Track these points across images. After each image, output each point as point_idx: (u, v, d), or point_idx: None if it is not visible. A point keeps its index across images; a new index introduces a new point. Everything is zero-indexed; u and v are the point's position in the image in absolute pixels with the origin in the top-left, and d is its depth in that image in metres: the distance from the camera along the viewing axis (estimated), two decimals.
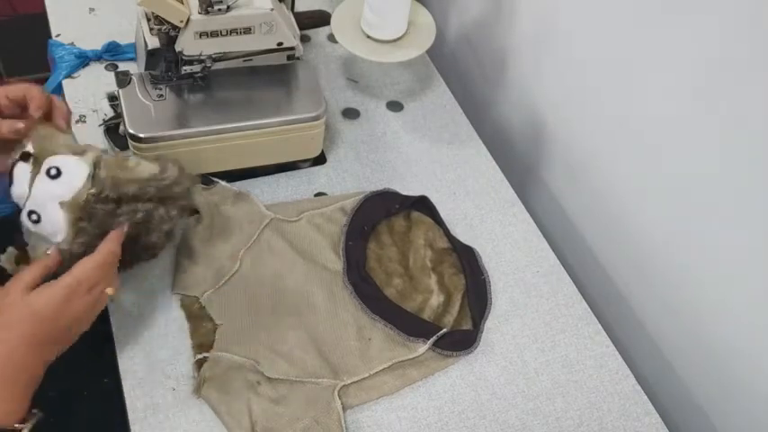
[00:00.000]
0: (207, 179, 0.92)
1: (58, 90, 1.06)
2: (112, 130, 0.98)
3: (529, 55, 1.07)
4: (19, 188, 0.72)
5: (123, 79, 0.90)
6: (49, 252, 0.72)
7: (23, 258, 0.75)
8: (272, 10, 0.87)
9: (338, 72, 1.14)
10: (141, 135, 0.86)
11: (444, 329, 0.83)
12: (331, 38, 1.17)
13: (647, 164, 0.88)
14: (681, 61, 0.79)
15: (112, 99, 1.01)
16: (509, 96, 1.14)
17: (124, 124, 0.88)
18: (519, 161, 1.14)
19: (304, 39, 1.14)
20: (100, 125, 0.99)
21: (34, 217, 0.71)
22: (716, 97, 0.76)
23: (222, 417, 0.76)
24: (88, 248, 0.72)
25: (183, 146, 0.88)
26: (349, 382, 0.79)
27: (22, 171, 0.72)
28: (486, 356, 0.85)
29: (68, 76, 1.05)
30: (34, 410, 0.67)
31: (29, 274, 0.68)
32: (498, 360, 0.85)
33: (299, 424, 0.75)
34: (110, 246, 0.72)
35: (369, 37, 1.01)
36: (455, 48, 1.26)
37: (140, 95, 0.90)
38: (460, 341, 0.84)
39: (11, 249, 0.74)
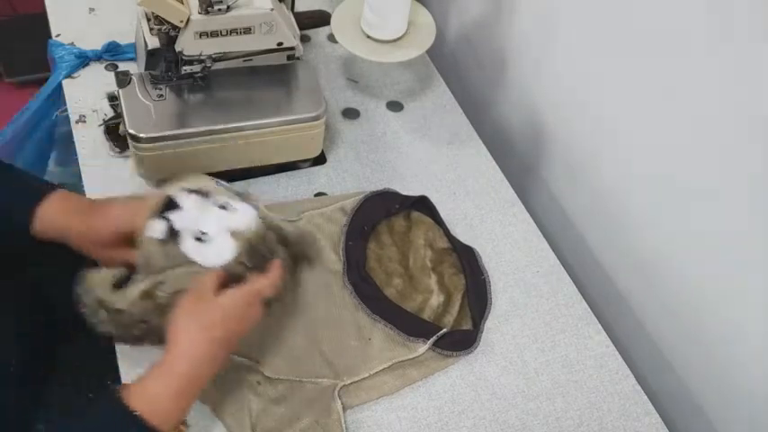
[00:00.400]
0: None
1: (58, 90, 1.06)
2: (112, 130, 0.98)
3: (529, 55, 1.07)
4: (190, 211, 0.74)
5: (123, 79, 0.90)
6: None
7: (122, 280, 0.74)
8: (272, 10, 0.87)
9: (338, 72, 1.14)
10: (141, 135, 0.86)
11: (444, 329, 0.83)
12: (331, 38, 1.17)
13: (647, 164, 0.88)
14: (681, 61, 0.79)
15: (112, 99, 1.01)
16: (509, 96, 1.14)
17: (124, 124, 0.88)
18: (519, 161, 1.14)
19: (304, 39, 1.14)
20: (100, 125, 0.99)
21: (203, 236, 0.73)
22: (716, 97, 0.76)
23: (222, 417, 0.76)
24: (242, 274, 0.75)
25: (183, 146, 0.89)
26: (349, 382, 0.79)
27: (190, 200, 0.75)
28: (486, 356, 0.85)
29: (68, 76, 1.05)
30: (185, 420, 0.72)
31: (210, 279, 0.71)
32: (498, 360, 0.85)
33: (299, 424, 0.75)
34: (278, 269, 0.75)
35: (369, 37, 1.01)
36: (455, 48, 1.26)
37: (140, 95, 0.90)
38: (460, 341, 0.84)
39: (110, 271, 0.74)
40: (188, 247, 0.73)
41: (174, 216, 0.74)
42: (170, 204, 0.74)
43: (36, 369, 0.86)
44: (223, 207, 0.76)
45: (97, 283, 0.73)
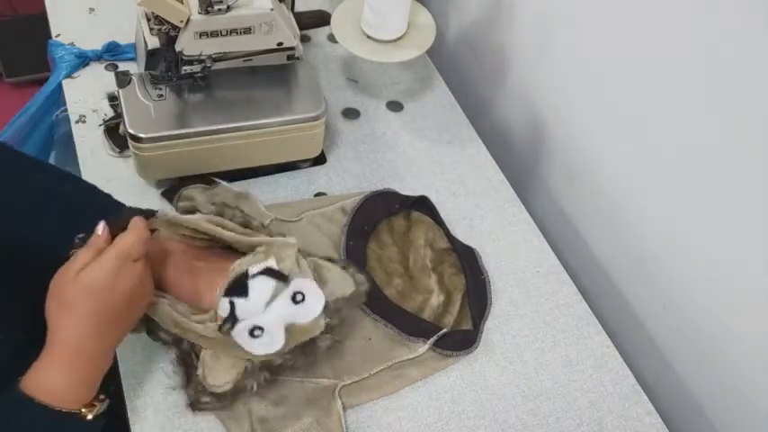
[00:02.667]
0: (207, 179, 0.92)
1: (58, 90, 1.06)
2: (112, 130, 0.98)
3: (529, 55, 1.07)
4: (255, 303, 0.71)
5: (123, 79, 0.90)
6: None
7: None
8: (272, 10, 0.87)
9: (338, 72, 1.14)
10: (141, 135, 0.86)
11: (444, 329, 0.83)
12: (331, 38, 1.17)
13: (647, 164, 0.88)
14: (681, 60, 0.79)
15: (112, 99, 1.01)
16: (509, 96, 1.14)
17: (124, 124, 0.88)
18: (519, 161, 1.14)
19: (304, 39, 1.14)
20: (100, 125, 0.99)
21: (258, 333, 0.72)
22: (716, 96, 0.76)
23: (222, 417, 0.76)
24: (285, 363, 0.75)
25: (183, 146, 0.89)
26: (349, 381, 0.79)
27: (263, 286, 0.72)
28: (486, 356, 0.85)
29: (68, 76, 1.05)
30: (102, 396, 0.68)
31: (79, 260, 0.67)
32: (498, 360, 0.85)
33: (300, 424, 0.75)
34: (141, 223, 0.71)
35: (369, 37, 1.01)
36: (455, 48, 1.26)
37: (140, 95, 0.90)
38: (460, 341, 0.84)
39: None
40: (239, 335, 0.72)
41: (237, 302, 0.72)
42: (241, 284, 0.72)
43: None
44: (295, 299, 0.73)
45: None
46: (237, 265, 0.73)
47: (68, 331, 0.65)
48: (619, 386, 0.84)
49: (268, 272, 0.72)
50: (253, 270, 0.72)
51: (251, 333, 0.72)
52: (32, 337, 0.86)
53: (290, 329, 0.73)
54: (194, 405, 0.75)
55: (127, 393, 0.76)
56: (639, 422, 0.81)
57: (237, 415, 0.75)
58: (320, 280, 0.76)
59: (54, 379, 0.65)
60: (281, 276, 0.73)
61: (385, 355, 0.82)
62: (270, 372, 0.76)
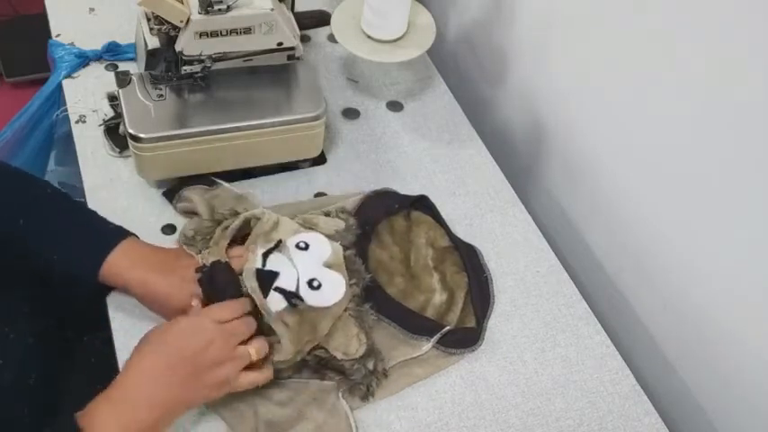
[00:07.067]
0: (207, 179, 0.92)
1: (58, 90, 1.06)
2: (112, 130, 0.98)
3: (529, 55, 1.07)
4: (287, 273, 0.77)
5: (123, 79, 0.90)
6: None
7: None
8: (272, 10, 0.87)
9: (338, 72, 1.14)
10: (141, 135, 0.86)
11: (448, 327, 0.83)
12: (331, 38, 1.17)
13: (647, 163, 0.88)
14: (681, 60, 0.79)
15: (112, 99, 1.01)
16: (509, 96, 1.14)
17: (124, 124, 0.88)
18: (519, 161, 1.14)
19: (304, 39, 1.14)
20: (100, 125, 0.99)
21: (316, 283, 0.78)
22: (716, 96, 0.76)
23: (226, 419, 0.75)
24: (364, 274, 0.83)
25: (183, 146, 0.89)
26: None
27: (279, 260, 0.79)
28: (486, 356, 0.85)
29: (68, 76, 1.05)
30: None
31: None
32: (498, 360, 0.85)
33: (306, 425, 0.75)
34: (240, 302, 0.75)
35: (369, 37, 1.01)
36: (455, 48, 1.26)
37: (140, 95, 0.90)
38: (464, 339, 0.84)
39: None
40: (312, 299, 0.77)
41: (280, 283, 0.77)
42: (268, 276, 0.77)
43: (51, 378, 0.85)
44: (300, 247, 0.80)
45: None
46: (246, 277, 0.77)
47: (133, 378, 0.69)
48: (619, 386, 0.84)
49: (265, 254, 0.79)
50: (258, 264, 0.78)
51: (314, 287, 0.77)
52: (43, 338, 0.86)
53: (330, 263, 0.80)
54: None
55: None
56: (639, 422, 0.82)
57: (241, 417, 0.75)
58: (311, 225, 0.86)
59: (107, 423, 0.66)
60: (275, 247, 0.79)
61: (389, 353, 0.82)
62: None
